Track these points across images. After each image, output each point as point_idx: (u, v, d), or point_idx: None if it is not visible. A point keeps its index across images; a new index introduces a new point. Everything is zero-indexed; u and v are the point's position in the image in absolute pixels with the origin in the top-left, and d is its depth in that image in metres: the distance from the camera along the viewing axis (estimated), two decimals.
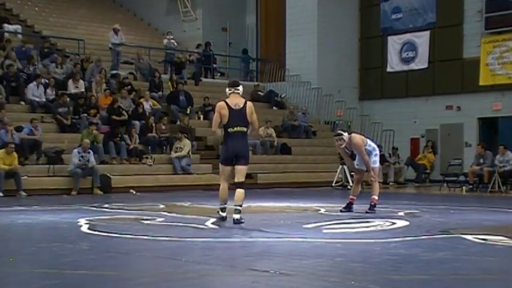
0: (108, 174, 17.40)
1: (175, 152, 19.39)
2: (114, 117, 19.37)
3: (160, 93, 22.38)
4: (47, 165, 17.09)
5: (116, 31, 23.82)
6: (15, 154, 16.14)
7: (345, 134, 11.27)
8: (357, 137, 11.38)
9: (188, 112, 21.87)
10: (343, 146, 11.29)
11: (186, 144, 19.44)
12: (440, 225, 9.58)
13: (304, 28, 25.58)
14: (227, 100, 9.66)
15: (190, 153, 19.52)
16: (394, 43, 25.17)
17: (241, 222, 9.40)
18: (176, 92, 22.34)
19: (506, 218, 11.35)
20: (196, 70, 26.08)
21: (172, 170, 19.17)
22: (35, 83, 19.46)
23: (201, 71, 26.62)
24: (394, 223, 9.69)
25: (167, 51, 25.79)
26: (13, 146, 16.14)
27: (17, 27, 24.34)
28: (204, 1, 29.43)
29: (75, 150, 17.01)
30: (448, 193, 18.74)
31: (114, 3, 32.85)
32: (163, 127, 20.20)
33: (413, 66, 24.64)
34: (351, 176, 17.53)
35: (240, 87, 9.80)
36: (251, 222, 9.87)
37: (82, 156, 16.93)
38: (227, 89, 9.85)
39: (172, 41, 26.00)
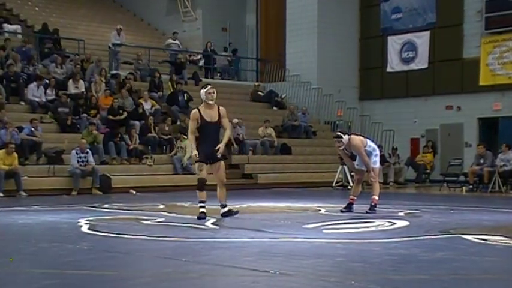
0: (108, 175, 17.40)
1: (177, 152, 19.39)
2: (110, 117, 19.38)
3: (160, 93, 22.37)
4: (47, 166, 17.09)
5: (118, 32, 23.89)
6: (15, 154, 16.13)
7: (344, 137, 11.28)
8: (356, 139, 11.39)
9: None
10: (342, 148, 11.33)
11: (187, 145, 19.45)
12: (440, 225, 9.58)
13: (304, 28, 25.58)
14: None
15: None
16: (394, 43, 25.17)
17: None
18: (176, 93, 22.31)
19: (506, 218, 11.35)
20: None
21: (173, 170, 19.16)
22: (35, 83, 19.46)
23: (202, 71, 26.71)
24: (394, 223, 9.69)
25: (171, 52, 25.78)
26: (13, 146, 16.14)
27: (17, 27, 24.37)
28: (204, 1, 29.45)
29: (74, 151, 17.00)
30: (448, 193, 18.73)
31: (114, 3, 32.87)
32: (167, 128, 20.17)
33: (413, 66, 24.63)
34: (351, 176, 17.52)
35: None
36: (251, 222, 9.88)
37: (80, 157, 16.91)
38: None
39: (177, 41, 26.05)
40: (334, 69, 25.44)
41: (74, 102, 19.73)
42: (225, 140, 10.23)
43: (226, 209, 10.38)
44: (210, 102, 10.11)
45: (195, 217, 10.07)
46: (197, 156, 10.00)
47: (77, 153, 16.94)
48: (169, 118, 20.62)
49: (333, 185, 19.76)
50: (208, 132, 10.07)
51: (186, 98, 22.01)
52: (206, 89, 10.24)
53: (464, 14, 23.44)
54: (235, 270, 6.04)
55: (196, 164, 10.16)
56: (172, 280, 5.65)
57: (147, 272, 6.06)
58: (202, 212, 10.08)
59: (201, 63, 27.40)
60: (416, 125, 24.60)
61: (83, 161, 16.94)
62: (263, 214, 11.48)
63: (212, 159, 10.11)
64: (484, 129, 23.11)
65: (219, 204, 10.40)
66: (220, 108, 10.30)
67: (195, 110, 10.17)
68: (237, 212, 10.51)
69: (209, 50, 26.99)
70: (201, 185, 10.11)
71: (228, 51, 28.68)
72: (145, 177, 18.35)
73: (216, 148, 10.03)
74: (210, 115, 10.11)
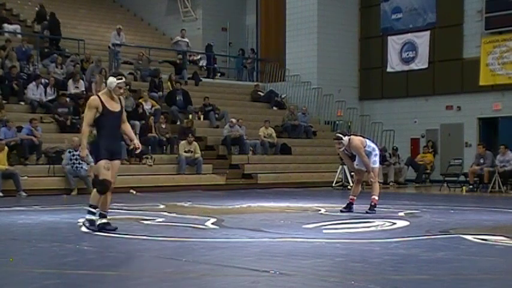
0: None
1: (185, 152, 19.42)
2: None
3: (160, 93, 22.35)
4: (47, 165, 17.08)
5: (118, 32, 23.87)
6: (3, 156, 15.98)
7: (345, 138, 11.29)
8: (356, 140, 11.40)
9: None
10: (342, 149, 11.34)
11: (196, 147, 19.51)
12: (440, 225, 9.58)
13: (304, 28, 25.58)
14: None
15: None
16: (394, 43, 25.17)
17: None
18: (174, 92, 22.28)
19: (506, 218, 11.35)
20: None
21: (177, 170, 19.13)
22: (34, 83, 19.45)
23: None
24: (394, 223, 9.69)
25: (178, 51, 25.77)
26: None
27: (17, 27, 24.36)
28: (204, 1, 29.46)
29: (67, 150, 16.96)
30: (448, 193, 18.73)
31: (114, 3, 32.89)
32: (163, 126, 20.17)
33: (413, 66, 24.64)
34: (351, 176, 17.53)
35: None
36: (251, 222, 9.87)
37: (73, 155, 16.78)
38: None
39: (185, 39, 26.06)
40: (334, 69, 25.44)
41: (74, 102, 19.72)
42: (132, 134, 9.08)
43: (105, 220, 8.81)
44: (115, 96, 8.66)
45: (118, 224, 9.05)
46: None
47: (69, 152, 16.86)
48: (163, 116, 20.54)
49: (333, 185, 19.76)
50: (111, 124, 8.75)
51: (182, 97, 22.00)
52: (119, 81, 8.59)
53: (464, 14, 23.44)
54: (235, 270, 6.04)
55: (102, 162, 8.65)
56: (172, 280, 5.64)
57: (147, 272, 6.06)
58: (108, 223, 8.75)
59: (202, 63, 27.41)
60: (416, 125, 24.61)
61: (76, 159, 16.75)
62: (263, 214, 11.47)
63: (118, 156, 8.95)
64: (484, 129, 23.12)
65: (102, 211, 8.88)
66: (121, 98, 8.85)
67: (95, 97, 8.73)
68: (115, 228, 8.70)
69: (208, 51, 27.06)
70: (107, 189, 8.74)
71: (228, 51, 28.71)
72: (145, 177, 18.34)
73: (135, 142, 9.06)
74: (112, 104, 8.67)
